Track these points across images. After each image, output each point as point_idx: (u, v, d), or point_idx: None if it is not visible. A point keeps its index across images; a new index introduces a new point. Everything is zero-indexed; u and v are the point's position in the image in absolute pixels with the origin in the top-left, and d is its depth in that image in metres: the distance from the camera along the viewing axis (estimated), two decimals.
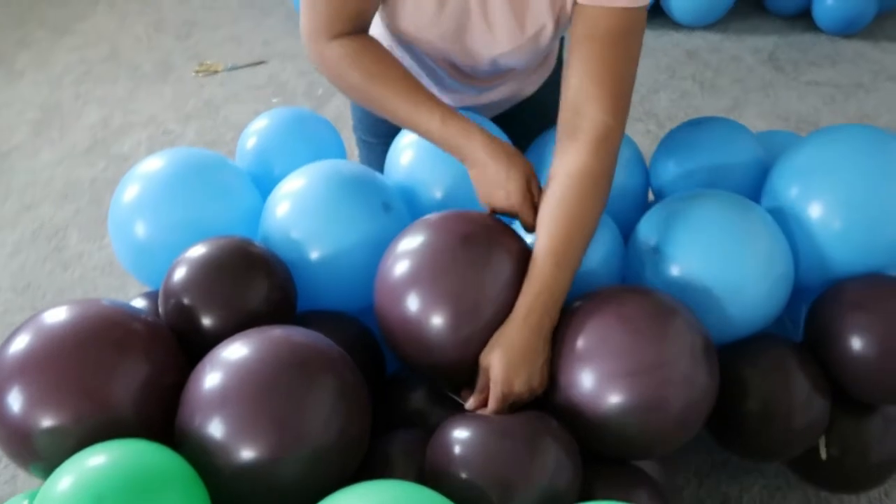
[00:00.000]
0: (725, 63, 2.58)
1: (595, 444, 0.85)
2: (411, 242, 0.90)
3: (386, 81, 0.94)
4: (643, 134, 2.20)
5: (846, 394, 0.98)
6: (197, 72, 2.66)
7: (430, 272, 0.87)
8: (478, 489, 0.76)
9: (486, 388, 0.86)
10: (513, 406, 0.85)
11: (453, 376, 0.91)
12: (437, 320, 0.85)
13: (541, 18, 0.97)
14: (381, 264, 0.93)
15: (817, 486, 1.13)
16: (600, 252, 1.00)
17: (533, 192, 0.93)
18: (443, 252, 0.88)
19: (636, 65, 0.92)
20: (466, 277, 0.86)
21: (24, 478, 1.38)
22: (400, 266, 0.89)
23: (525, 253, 0.91)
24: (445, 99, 1.19)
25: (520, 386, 0.84)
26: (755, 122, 2.27)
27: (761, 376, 0.95)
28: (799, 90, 2.41)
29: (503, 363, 0.84)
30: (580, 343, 0.85)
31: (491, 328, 0.86)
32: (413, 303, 0.86)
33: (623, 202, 1.11)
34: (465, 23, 0.98)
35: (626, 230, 1.09)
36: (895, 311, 0.92)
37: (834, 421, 0.99)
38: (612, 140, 0.90)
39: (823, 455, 1.00)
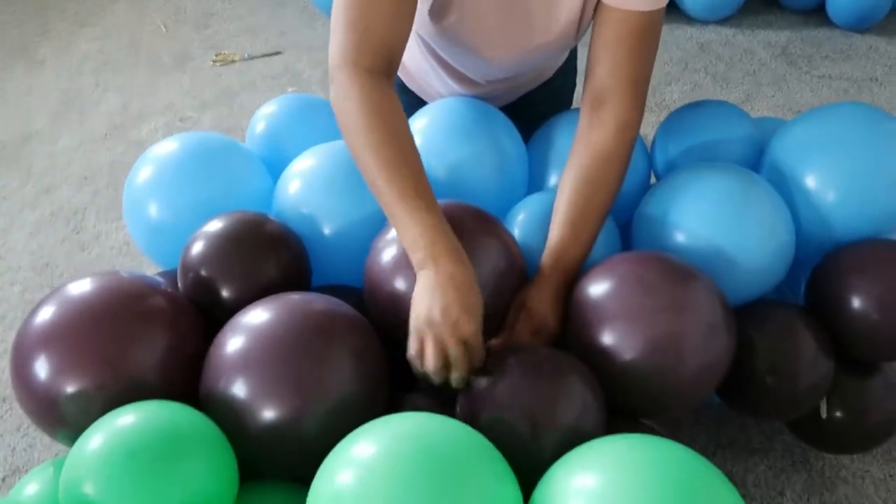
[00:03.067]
0: (738, 56, 2.58)
1: (612, 394, 0.86)
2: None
3: (388, 158, 0.87)
4: (654, 125, 2.21)
5: (849, 355, 1.01)
6: (214, 61, 2.70)
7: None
8: (508, 426, 0.79)
9: (518, 328, 0.91)
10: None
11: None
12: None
13: (570, 14, 1.02)
14: (372, 249, 0.95)
15: (816, 447, 1.16)
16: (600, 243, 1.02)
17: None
18: None
19: (654, 60, 1.00)
20: None
21: (41, 448, 1.42)
22: (390, 251, 0.91)
23: (512, 244, 0.96)
24: (462, 89, 1.21)
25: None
26: (767, 115, 2.28)
27: (769, 338, 0.98)
28: (812, 84, 2.42)
29: (557, 318, 0.93)
30: (599, 293, 0.88)
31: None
32: (401, 284, 0.89)
33: (627, 184, 1.12)
34: (504, 21, 1.02)
35: (631, 213, 1.12)
36: (892, 272, 0.95)
37: (836, 383, 1.02)
38: (632, 129, 0.98)
39: (824, 414, 1.04)
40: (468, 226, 0.93)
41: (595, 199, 0.96)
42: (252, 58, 2.71)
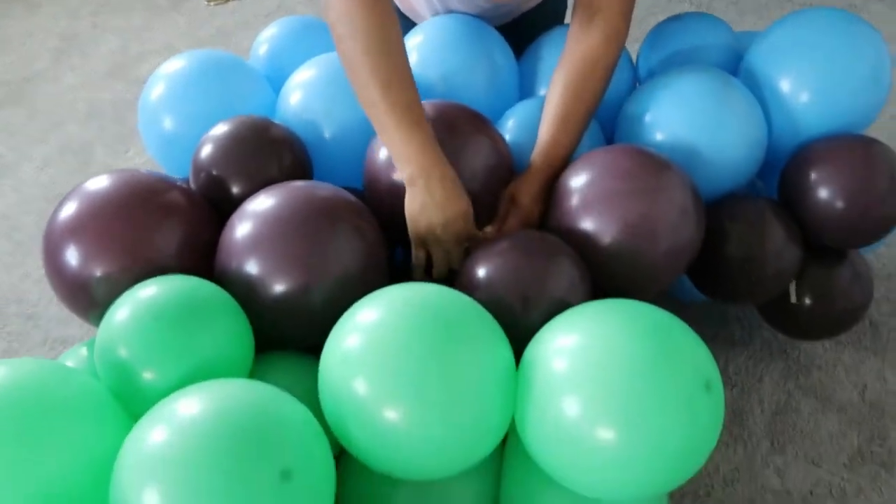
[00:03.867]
0: None
1: (592, 274, 0.93)
2: None
3: (382, 69, 0.93)
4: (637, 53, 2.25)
5: (818, 244, 1.09)
6: (209, 2, 2.73)
7: None
8: (502, 301, 0.86)
9: (509, 221, 1.00)
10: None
11: None
12: None
13: None
14: (372, 143, 1.03)
15: (788, 333, 1.24)
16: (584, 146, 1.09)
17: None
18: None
19: None
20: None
21: None
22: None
23: (500, 141, 1.04)
24: (458, 6, 1.25)
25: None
26: None
27: (741, 226, 1.06)
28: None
29: (543, 210, 1.01)
30: (579, 182, 0.96)
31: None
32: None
33: (612, 94, 1.16)
34: None
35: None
36: (855, 162, 1.02)
37: (806, 272, 1.10)
38: (620, 39, 1.05)
39: (793, 298, 1.12)
40: (461, 125, 1.00)
41: (582, 100, 1.03)
42: None
